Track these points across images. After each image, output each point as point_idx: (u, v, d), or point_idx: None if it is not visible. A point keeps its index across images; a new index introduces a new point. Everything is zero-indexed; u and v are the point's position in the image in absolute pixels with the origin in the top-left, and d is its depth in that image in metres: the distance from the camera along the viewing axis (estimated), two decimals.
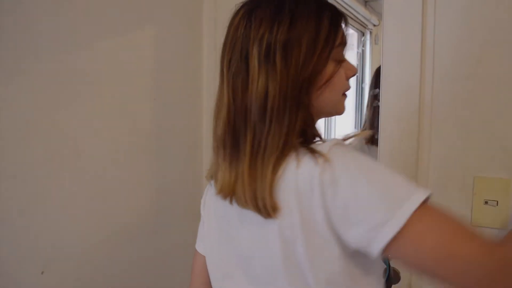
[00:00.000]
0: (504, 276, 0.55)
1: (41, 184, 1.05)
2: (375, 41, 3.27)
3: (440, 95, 1.15)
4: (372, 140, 1.69)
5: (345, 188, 0.60)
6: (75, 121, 1.11)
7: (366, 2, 3.02)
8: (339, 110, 0.77)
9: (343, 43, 0.75)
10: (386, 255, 0.60)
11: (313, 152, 0.64)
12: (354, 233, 0.61)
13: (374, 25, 3.16)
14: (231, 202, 0.72)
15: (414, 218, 0.56)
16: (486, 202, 1.12)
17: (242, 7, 0.74)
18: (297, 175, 0.64)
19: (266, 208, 0.66)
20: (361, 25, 3.05)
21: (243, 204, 0.69)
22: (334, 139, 0.67)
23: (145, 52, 1.32)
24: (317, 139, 0.72)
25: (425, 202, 0.58)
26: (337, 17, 0.74)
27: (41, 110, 1.04)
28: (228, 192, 0.72)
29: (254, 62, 0.67)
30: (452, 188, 1.15)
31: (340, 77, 0.74)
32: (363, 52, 3.22)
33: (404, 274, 1.21)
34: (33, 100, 1.02)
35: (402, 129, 1.19)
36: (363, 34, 3.13)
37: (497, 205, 1.11)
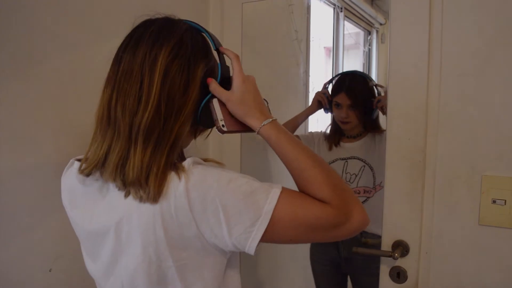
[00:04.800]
0: (342, 218, 0.74)
1: (50, 181, 1.06)
2: (381, 40, 3.26)
3: (447, 93, 1.15)
4: (329, 137, 1.78)
5: (213, 202, 0.68)
6: (83, 118, 1.11)
7: (372, 0, 3.01)
8: (187, 146, 0.87)
9: None
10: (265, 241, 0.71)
11: (176, 169, 0.70)
12: (233, 236, 0.70)
13: (381, 24, 3.15)
14: (101, 174, 0.75)
15: (277, 210, 0.69)
16: (494, 201, 1.11)
17: (179, 20, 0.81)
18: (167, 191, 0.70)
19: (154, 190, 0.69)
20: (368, 24, 3.04)
21: (147, 185, 0.71)
22: (192, 158, 0.73)
23: None
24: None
25: (281, 193, 0.71)
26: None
27: (49, 107, 1.05)
28: (97, 164, 0.75)
29: (198, 75, 0.76)
30: (459, 187, 1.15)
31: None
32: (369, 51, 3.21)
33: (411, 273, 1.21)
34: (42, 97, 1.03)
35: (409, 127, 1.19)
36: (369, 33, 3.11)
37: (505, 204, 1.10)
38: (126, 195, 0.72)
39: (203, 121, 0.79)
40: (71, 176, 0.83)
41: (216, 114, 0.79)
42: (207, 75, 0.78)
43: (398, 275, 1.22)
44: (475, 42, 1.11)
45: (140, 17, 0.79)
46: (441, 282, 1.19)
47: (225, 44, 0.83)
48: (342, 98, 1.69)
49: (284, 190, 0.72)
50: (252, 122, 0.80)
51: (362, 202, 1.67)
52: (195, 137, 0.85)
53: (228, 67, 0.83)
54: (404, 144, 1.19)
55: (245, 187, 0.70)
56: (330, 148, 1.76)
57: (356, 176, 1.69)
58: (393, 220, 1.23)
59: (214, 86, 0.79)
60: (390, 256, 1.20)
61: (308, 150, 0.78)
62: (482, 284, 1.14)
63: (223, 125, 0.79)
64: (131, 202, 0.71)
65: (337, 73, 2.95)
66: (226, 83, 0.81)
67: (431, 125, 1.17)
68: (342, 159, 1.73)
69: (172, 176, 0.70)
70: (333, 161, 1.74)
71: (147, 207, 0.70)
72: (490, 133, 1.10)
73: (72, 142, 1.10)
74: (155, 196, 0.68)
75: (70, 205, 0.84)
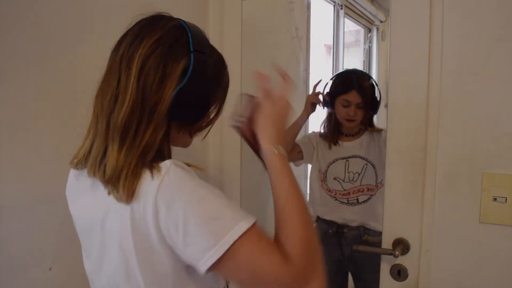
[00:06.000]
0: (297, 284, 0.68)
1: (48, 180, 1.06)
2: (381, 38, 3.25)
3: (448, 91, 1.14)
4: (327, 136, 1.77)
5: (178, 212, 0.65)
6: (81, 118, 1.11)
7: None
8: (189, 144, 0.85)
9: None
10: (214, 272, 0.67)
11: (151, 168, 0.68)
12: (186, 253, 0.67)
13: (381, 21, 3.14)
14: (91, 172, 0.75)
15: (236, 245, 0.64)
16: (494, 199, 1.11)
17: (170, 18, 0.78)
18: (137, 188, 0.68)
19: (124, 191, 0.68)
20: (368, 21, 3.03)
21: (119, 185, 0.70)
22: (172, 160, 0.70)
23: None
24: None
25: (248, 229, 0.65)
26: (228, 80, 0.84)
27: (47, 107, 1.05)
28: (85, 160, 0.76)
29: (176, 74, 0.73)
30: (460, 185, 1.14)
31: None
32: (370, 48, 3.20)
33: (411, 271, 1.21)
34: (39, 97, 1.03)
35: (409, 125, 1.18)
36: (370, 31, 3.10)
37: (506, 202, 1.10)
38: (109, 193, 0.71)
39: (177, 113, 0.73)
40: (71, 173, 0.86)
41: (240, 108, 0.77)
42: (191, 76, 0.73)
43: (399, 273, 1.22)
44: (476, 39, 1.11)
45: (136, 17, 0.79)
46: (442, 280, 1.19)
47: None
48: (352, 96, 1.67)
49: (253, 228, 0.66)
50: (265, 138, 0.78)
51: (366, 201, 1.68)
52: (190, 136, 0.83)
53: (205, 65, 0.76)
54: (404, 141, 1.19)
55: (214, 210, 0.66)
56: (330, 147, 1.76)
57: (359, 174, 1.69)
58: (394, 218, 1.23)
59: (266, 85, 0.79)
60: (390, 254, 1.20)
61: (301, 198, 0.75)
62: (483, 282, 1.14)
63: (237, 121, 0.78)
64: (112, 200, 0.70)
65: (337, 72, 2.93)
66: (201, 80, 0.75)
67: (431, 123, 1.16)
68: (343, 158, 1.73)
69: (146, 176, 0.68)
70: (334, 161, 1.73)
71: (121, 207, 0.69)
72: (490, 131, 1.10)
73: (72, 142, 1.10)
74: (127, 197, 0.68)
75: (69, 201, 0.86)
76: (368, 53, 3.15)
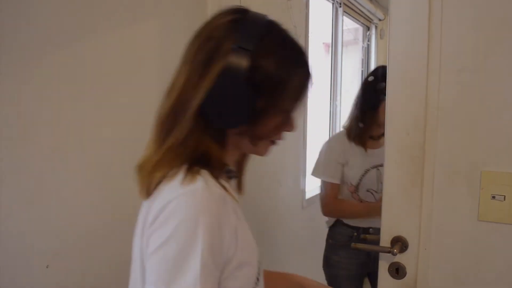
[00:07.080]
0: None
1: (46, 178, 1.05)
2: (380, 36, 3.24)
3: (447, 89, 1.14)
4: (354, 137, 1.72)
5: (167, 230, 0.62)
6: (79, 116, 1.11)
7: None
8: (261, 153, 0.79)
9: (305, 102, 0.77)
10: None
11: (187, 172, 0.66)
12: (146, 269, 0.65)
13: (380, 20, 3.15)
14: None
15: None
16: (493, 197, 1.11)
17: (236, 12, 0.75)
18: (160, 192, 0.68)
19: (149, 192, 0.69)
20: (366, 19, 3.03)
21: (137, 178, 0.72)
22: (209, 183, 0.66)
23: (150, 46, 1.32)
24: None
25: None
26: (309, 77, 0.76)
27: (45, 105, 1.04)
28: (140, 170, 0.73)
29: (215, 71, 0.67)
30: (459, 183, 1.14)
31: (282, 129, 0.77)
32: (368, 46, 3.20)
33: (410, 269, 1.21)
34: (37, 94, 1.02)
35: (408, 123, 1.18)
36: (368, 29, 3.10)
37: (504, 200, 1.10)
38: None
39: (209, 114, 0.68)
40: None
41: None
42: (226, 74, 0.67)
43: (397, 270, 1.22)
44: (475, 37, 1.11)
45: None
46: (440, 278, 1.19)
47: None
48: None
49: None
50: None
51: None
52: (252, 144, 0.75)
53: (254, 65, 0.68)
54: (403, 139, 1.19)
55: (188, 260, 0.60)
56: (366, 150, 1.71)
57: None
58: (392, 216, 1.23)
59: None
60: (389, 252, 1.20)
61: None
62: (481, 280, 1.14)
63: None
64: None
65: (335, 70, 2.93)
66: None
67: (430, 121, 1.16)
68: (373, 167, 1.70)
69: (177, 177, 0.65)
70: (365, 172, 1.70)
71: (144, 204, 0.70)
72: (489, 129, 1.10)
73: (70, 141, 1.10)
74: (143, 192, 0.69)
75: None
76: (367, 51, 3.15)
